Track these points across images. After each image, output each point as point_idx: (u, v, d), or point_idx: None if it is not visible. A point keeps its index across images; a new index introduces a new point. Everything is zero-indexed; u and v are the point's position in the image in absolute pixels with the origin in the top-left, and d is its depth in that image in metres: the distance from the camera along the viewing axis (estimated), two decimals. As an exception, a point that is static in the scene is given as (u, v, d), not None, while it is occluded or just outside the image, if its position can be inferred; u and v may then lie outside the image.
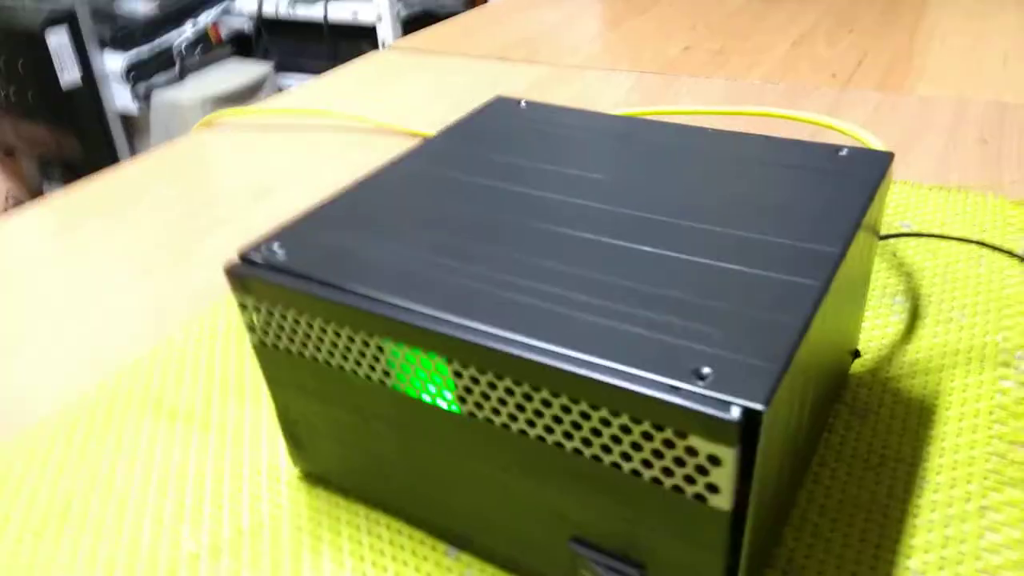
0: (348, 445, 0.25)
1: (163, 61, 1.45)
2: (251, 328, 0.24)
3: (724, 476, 0.17)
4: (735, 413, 0.16)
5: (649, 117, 0.32)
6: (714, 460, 0.17)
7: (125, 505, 0.27)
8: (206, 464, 0.29)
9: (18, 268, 0.43)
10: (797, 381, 0.19)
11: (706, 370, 0.17)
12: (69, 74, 1.40)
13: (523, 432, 0.20)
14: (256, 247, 0.23)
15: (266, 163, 0.53)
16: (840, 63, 0.63)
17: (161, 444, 0.30)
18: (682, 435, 0.17)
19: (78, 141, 1.47)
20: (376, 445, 0.24)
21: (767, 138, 0.28)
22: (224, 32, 1.55)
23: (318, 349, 0.23)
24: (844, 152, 0.26)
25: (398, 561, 0.24)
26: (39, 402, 0.33)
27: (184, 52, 1.46)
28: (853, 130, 0.35)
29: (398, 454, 0.24)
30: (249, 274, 0.23)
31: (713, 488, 0.18)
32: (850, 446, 0.28)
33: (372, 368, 0.22)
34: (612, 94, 0.60)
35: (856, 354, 0.31)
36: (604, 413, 0.18)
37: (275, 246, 0.23)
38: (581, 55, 0.69)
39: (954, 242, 0.38)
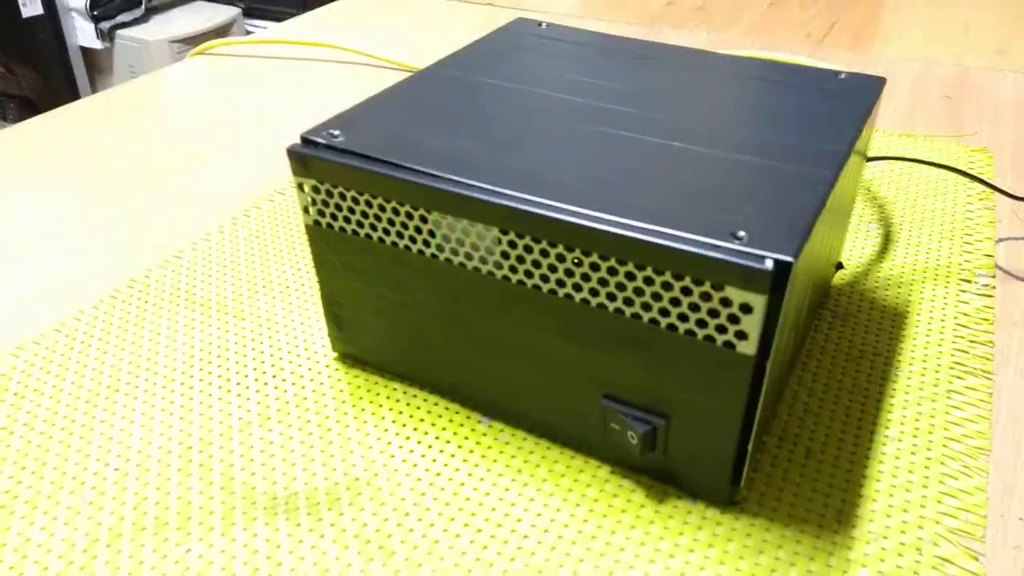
0: (391, 321, 0.27)
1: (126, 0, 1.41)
2: (306, 209, 0.26)
3: (753, 323, 0.20)
4: (768, 264, 0.19)
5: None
6: (746, 308, 0.20)
7: (172, 379, 0.29)
8: (245, 348, 0.31)
9: (33, 186, 0.44)
10: (811, 251, 0.22)
11: (741, 232, 0.20)
12: (30, 6, 1.35)
13: (568, 296, 0.22)
14: (316, 131, 0.25)
15: (266, 91, 0.54)
16: (813, 25, 0.67)
17: (198, 331, 0.32)
18: (719, 287, 0.20)
19: (38, 75, 1.43)
20: (419, 319, 0.26)
21: (773, 62, 0.31)
22: (190, -28, 1.52)
23: (373, 227, 0.25)
24: (842, 76, 0.29)
25: (437, 427, 0.27)
26: (73, 299, 0.34)
27: (148, -9, 1.42)
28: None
29: (440, 327, 0.26)
30: (310, 154, 0.25)
31: (742, 335, 0.20)
32: (833, 343, 0.31)
33: (425, 243, 0.24)
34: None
35: (839, 266, 0.34)
36: (648, 272, 0.21)
37: (334, 131, 0.25)
38: (567, 5, 0.71)
39: (925, 173, 0.42)
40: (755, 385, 0.21)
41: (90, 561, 0.23)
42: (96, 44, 1.42)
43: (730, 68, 0.30)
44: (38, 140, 0.47)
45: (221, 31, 1.49)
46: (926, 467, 0.25)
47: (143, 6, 1.44)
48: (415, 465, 0.26)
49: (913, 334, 0.31)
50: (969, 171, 0.41)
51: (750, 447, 0.23)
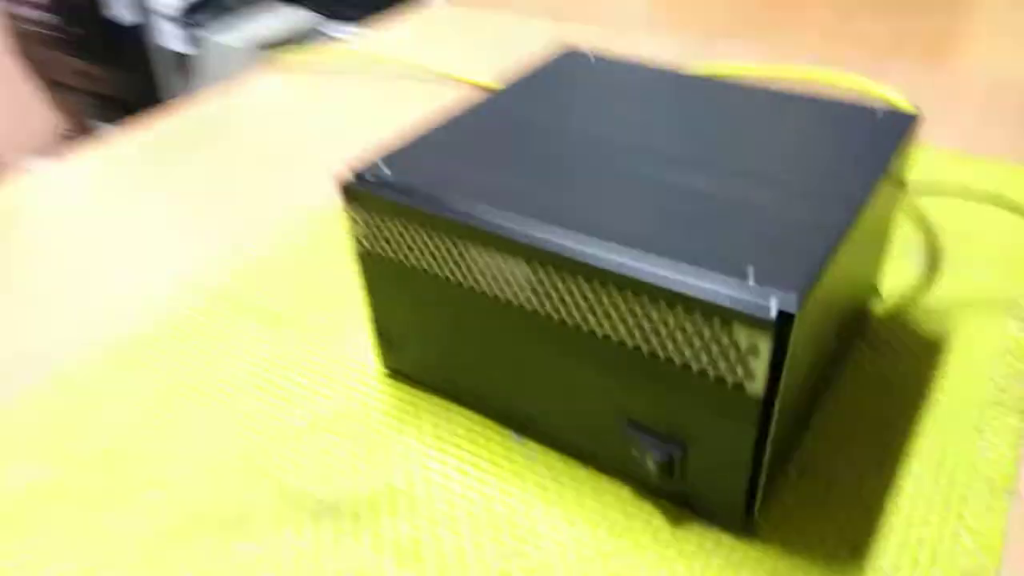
0: (434, 343, 0.29)
1: (214, 3, 1.48)
2: (356, 238, 0.28)
3: (760, 365, 0.21)
4: (774, 307, 0.20)
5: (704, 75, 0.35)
6: (753, 350, 0.21)
7: (238, 388, 0.32)
8: (302, 359, 0.33)
9: (117, 193, 0.48)
10: (825, 292, 0.23)
11: (750, 273, 0.21)
12: (121, 10, 1.44)
13: (593, 332, 0.24)
14: (366, 166, 0.27)
15: (332, 105, 0.57)
16: (882, 35, 0.65)
17: (262, 342, 0.34)
18: (726, 328, 0.21)
19: (127, 78, 1.52)
20: (458, 343, 0.28)
21: (811, 98, 0.31)
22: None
23: (416, 257, 0.27)
24: (876, 112, 0.30)
25: (473, 443, 0.29)
26: (150, 309, 0.37)
27: (234, -3, 1.49)
28: (890, 95, 0.38)
29: (477, 351, 0.28)
30: (360, 189, 0.27)
31: (750, 376, 0.21)
32: (866, 373, 0.31)
33: (464, 274, 0.26)
34: (658, 56, 0.63)
35: (876, 294, 0.34)
36: (662, 310, 0.22)
37: (382, 166, 0.27)
38: (634, 15, 0.72)
39: (974, 203, 0.41)
40: (764, 423, 0.22)
41: (160, 551, 0.25)
42: (183, 48, 1.49)
43: (766, 102, 0.31)
44: (123, 149, 0.51)
45: (301, 35, 1.55)
46: (946, 505, 0.26)
47: (225, 10, 1.51)
48: (449, 478, 0.28)
49: (951, 367, 0.31)
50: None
51: (761, 480, 0.24)
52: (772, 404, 0.22)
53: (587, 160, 0.27)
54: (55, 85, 1.73)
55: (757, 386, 0.22)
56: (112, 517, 0.27)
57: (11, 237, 0.43)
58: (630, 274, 0.22)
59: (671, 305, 0.22)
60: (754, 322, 0.20)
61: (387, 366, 0.32)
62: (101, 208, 0.46)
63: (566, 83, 0.33)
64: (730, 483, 0.24)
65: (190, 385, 0.32)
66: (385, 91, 0.59)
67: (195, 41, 1.49)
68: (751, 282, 0.21)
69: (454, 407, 0.30)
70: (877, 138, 0.28)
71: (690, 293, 0.21)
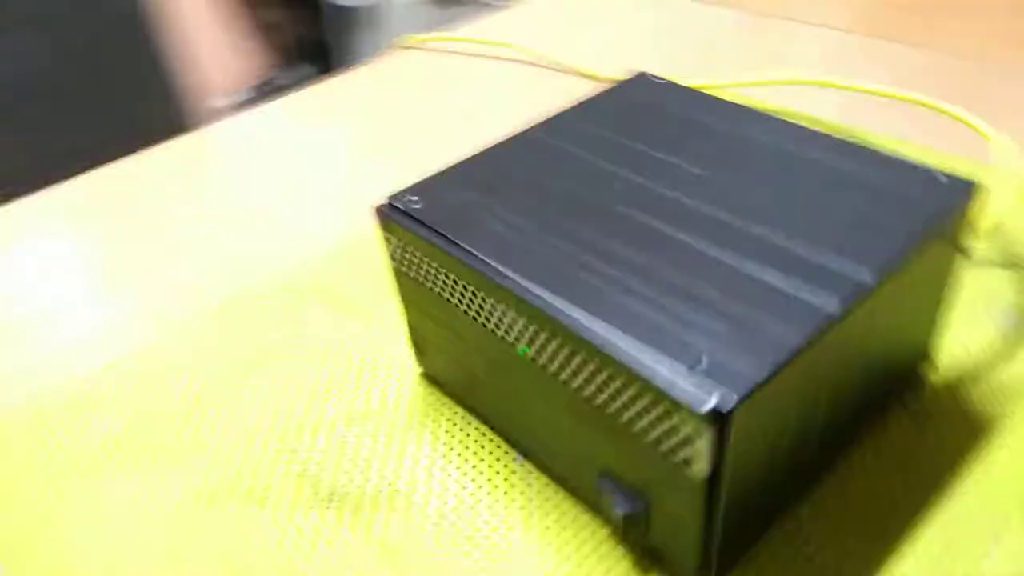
0: (452, 360, 0.31)
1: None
2: (391, 257, 0.31)
3: (700, 452, 0.21)
4: (711, 403, 0.20)
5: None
6: (694, 438, 0.21)
7: (292, 374, 0.36)
8: (354, 350, 0.37)
9: (278, 145, 0.53)
10: (791, 385, 0.23)
11: (704, 361, 0.21)
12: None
13: (566, 382, 0.25)
14: (400, 195, 0.30)
15: (467, 89, 0.59)
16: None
17: (329, 327, 0.38)
18: (669, 412, 0.22)
19: (310, 30, 1.63)
20: (471, 365, 0.30)
21: (873, 152, 0.29)
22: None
23: (434, 284, 0.29)
24: (943, 179, 0.28)
25: (477, 457, 0.31)
26: (212, 292, 0.42)
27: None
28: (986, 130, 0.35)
29: (486, 376, 0.30)
30: (391, 217, 0.29)
31: (694, 458, 0.22)
32: (892, 444, 0.30)
33: (474, 310, 0.28)
34: (801, 53, 0.59)
35: (927, 360, 0.32)
36: (621, 381, 0.23)
37: (414, 197, 0.30)
38: (784, 1, 0.68)
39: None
40: (711, 501, 0.23)
41: (190, 508, 0.30)
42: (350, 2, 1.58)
43: (817, 153, 0.29)
44: (298, 104, 0.57)
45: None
46: (925, 606, 0.25)
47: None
48: (446, 488, 0.30)
49: (992, 458, 0.29)
50: None
51: (714, 548, 0.24)
52: (718, 485, 0.22)
53: (608, 212, 0.28)
54: (251, 31, 1.88)
55: (701, 468, 0.22)
56: (161, 472, 0.32)
57: (193, 177, 0.50)
58: (598, 345, 0.23)
59: (628, 382, 0.22)
60: (691, 413, 0.21)
61: (422, 369, 0.35)
62: (271, 157, 0.51)
63: (622, 117, 0.33)
64: (685, 546, 0.25)
65: (260, 357, 0.37)
66: (507, 77, 0.60)
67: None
68: (702, 368, 0.21)
69: (471, 418, 0.33)
70: (921, 208, 0.26)
71: (643, 374, 0.22)
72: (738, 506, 0.24)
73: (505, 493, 0.30)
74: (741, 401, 0.21)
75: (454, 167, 0.31)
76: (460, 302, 0.28)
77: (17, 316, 0.41)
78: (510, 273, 0.26)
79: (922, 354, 0.31)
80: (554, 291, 0.25)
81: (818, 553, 0.27)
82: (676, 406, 0.21)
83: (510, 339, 0.27)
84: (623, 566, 0.27)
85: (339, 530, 0.29)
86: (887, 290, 0.25)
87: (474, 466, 0.31)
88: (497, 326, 0.27)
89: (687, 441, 0.22)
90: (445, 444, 0.32)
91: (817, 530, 0.27)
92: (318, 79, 0.63)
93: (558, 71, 0.60)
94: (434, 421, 0.33)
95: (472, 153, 0.32)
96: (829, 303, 0.23)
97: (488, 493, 0.30)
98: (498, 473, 0.30)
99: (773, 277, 0.24)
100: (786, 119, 0.32)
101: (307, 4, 1.68)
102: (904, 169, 0.28)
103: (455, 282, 0.28)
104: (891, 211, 0.26)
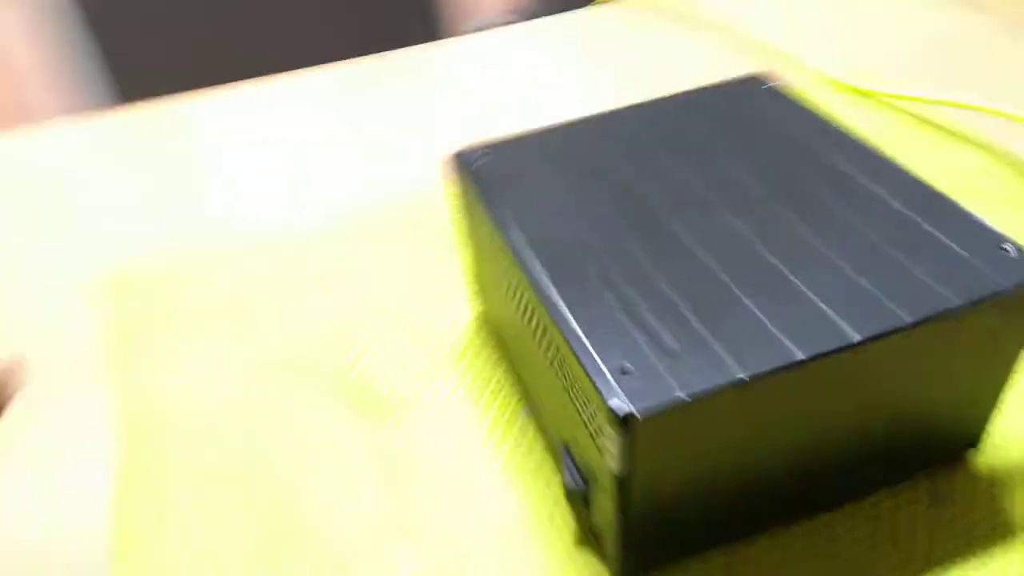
0: (491, 307, 0.34)
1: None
2: (453, 199, 0.33)
3: (614, 451, 0.22)
4: (622, 411, 0.21)
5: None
6: (610, 436, 0.22)
7: (372, 290, 0.40)
8: (432, 288, 0.40)
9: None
10: (730, 412, 0.22)
11: (638, 370, 0.22)
12: None
13: (547, 358, 0.27)
14: (473, 148, 0.32)
15: (681, 40, 0.59)
16: None
17: (419, 260, 0.42)
18: (596, 410, 0.23)
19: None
20: (501, 316, 0.32)
21: (957, 207, 0.27)
22: None
23: (476, 235, 0.31)
24: (1011, 251, 0.25)
25: (499, 397, 0.33)
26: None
27: None
28: None
29: (509, 328, 0.32)
30: (454, 165, 0.32)
31: (610, 453, 0.23)
32: (891, 520, 0.28)
33: (494, 265, 0.30)
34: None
35: (974, 445, 0.29)
36: (575, 371, 0.24)
37: (482, 154, 0.32)
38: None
39: None
40: (626, 501, 0.24)
41: (260, 375, 0.36)
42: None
43: (878, 186, 0.27)
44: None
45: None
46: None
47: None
48: (456, 417, 0.33)
49: (994, 566, 0.27)
50: None
51: (633, 546, 0.25)
52: (632, 487, 0.23)
53: (649, 211, 0.28)
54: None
55: (616, 466, 0.23)
56: (240, 338, 0.38)
57: (441, 80, 0.56)
58: (564, 333, 0.24)
59: (578, 373, 0.23)
60: (608, 413, 0.22)
61: (477, 310, 0.37)
62: (506, 77, 0.56)
63: (710, 117, 0.33)
64: (609, 536, 0.26)
65: (354, 268, 0.41)
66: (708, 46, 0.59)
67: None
68: (637, 375, 0.22)
69: (502, 365, 0.35)
70: (980, 274, 0.24)
71: (587, 369, 0.23)
72: (655, 512, 0.24)
73: (499, 443, 0.32)
74: (655, 413, 0.21)
75: (537, 132, 0.33)
76: (488, 257, 0.30)
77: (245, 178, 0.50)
78: (520, 245, 0.27)
79: (967, 438, 0.29)
80: (551, 273, 0.26)
81: (759, 591, 0.26)
82: (601, 404, 0.22)
83: (517, 300, 0.28)
84: (568, 536, 0.29)
85: (361, 433, 0.33)
86: (886, 351, 0.23)
87: (483, 410, 0.33)
88: (508, 286, 0.29)
89: (609, 438, 0.23)
90: (470, 384, 0.35)
91: (747, 571, 0.27)
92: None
93: (753, 54, 0.58)
94: (469, 361, 0.36)
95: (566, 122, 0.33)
96: (804, 348, 0.22)
97: (486, 431, 0.32)
98: (501, 421, 0.33)
99: (769, 310, 0.24)
100: (878, 152, 0.30)
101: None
102: (979, 231, 0.26)
103: (484, 237, 0.30)
104: (936, 272, 0.24)
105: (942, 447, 0.29)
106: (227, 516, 0.30)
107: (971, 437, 0.29)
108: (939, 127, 0.48)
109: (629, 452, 0.22)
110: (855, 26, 0.60)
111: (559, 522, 0.29)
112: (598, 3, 0.66)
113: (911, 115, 0.49)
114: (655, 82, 0.55)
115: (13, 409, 0.35)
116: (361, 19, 1.28)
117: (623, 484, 0.23)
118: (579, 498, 0.27)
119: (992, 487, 0.29)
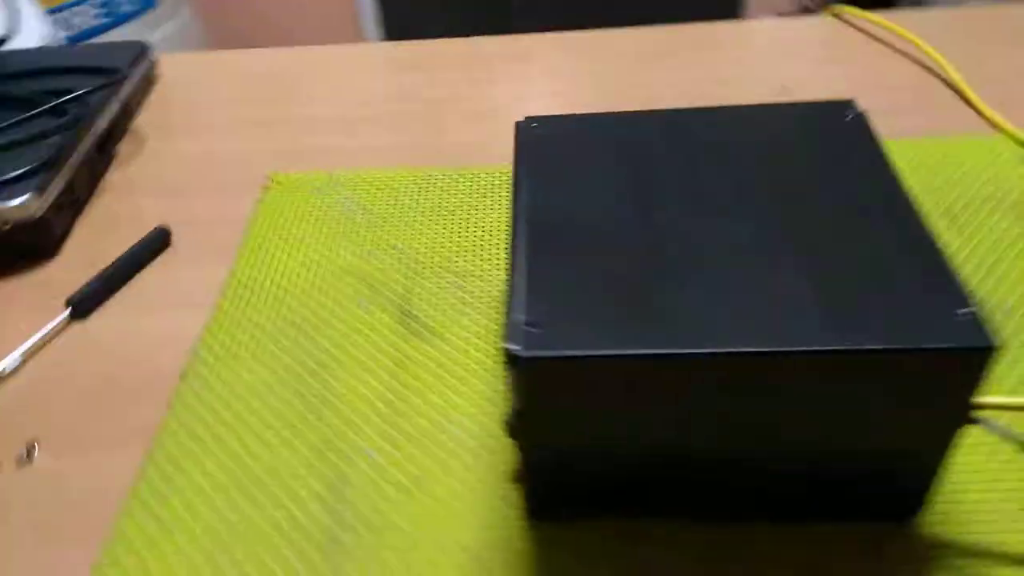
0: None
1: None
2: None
3: (512, 387, 0.26)
4: (510, 352, 0.25)
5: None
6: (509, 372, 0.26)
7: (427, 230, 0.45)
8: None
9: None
10: (627, 379, 0.25)
11: (541, 323, 0.25)
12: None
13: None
14: (533, 119, 0.36)
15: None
16: None
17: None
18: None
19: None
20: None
21: (934, 249, 0.26)
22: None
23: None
24: (962, 311, 0.24)
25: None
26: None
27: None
28: None
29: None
30: (516, 132, 0.35)
31: (510, 389, 0.26)
32: (814, 556, 0.28)
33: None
34: None
35: (914, 509, 0.28)
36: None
37: (538, 125, 0.35)
38: None
39: None
40: (527, 443, 0.27)
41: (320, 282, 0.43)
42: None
43: (889, 227, 0.27)
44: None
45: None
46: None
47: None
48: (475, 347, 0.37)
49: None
50: None
51: (532, 489, 0.28)
52: (525, 426, 0.26)
53: (655, 203, 0.30)
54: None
55: (515, 402, 0.26)
56: (324, 246, 0.44)
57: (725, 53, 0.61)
58: (513, 273, 0.28)
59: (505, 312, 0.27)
60: (506, 350, 0.25)
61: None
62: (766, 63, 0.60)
63: (771, 130, 0.33)
64: (519, 473, 0.29)
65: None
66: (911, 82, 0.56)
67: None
68: (548, 325, 0.25)
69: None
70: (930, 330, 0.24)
71: (511, 311, 0.26)
72: (553, 458, 0.27)
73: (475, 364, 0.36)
74: (538, 360, 0.24)
75: (603, 114, 0.35)
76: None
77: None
78: (522, 207, 0.31)
79: (910, 499, 0.28)
80: (532, 234, 0.29)
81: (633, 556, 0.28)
82: (505, 336, 0.25)
83: (507, 253, 0.32)
84: (498, 472, 0.32)
85: (385, 332, 0.39)
86: (789, 369, 0.24)
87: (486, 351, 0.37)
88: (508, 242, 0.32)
89: (508, 375, 0.26)
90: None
91: (645, 547, 0.29)
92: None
93: (953, 92, 0.54)
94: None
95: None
96: (707, 344, 0.24)
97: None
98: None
99: (705, 306, 0.25)
100: (906, 193, 0.29)
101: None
102: (950, 289, 0.25)
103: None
104: (881, 313, 0.24)
105: (881, 502, 0.28)
106: (280, 362, 0.37)
107: (913, 500, 0.28)
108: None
109: (519, 391, 0.26)
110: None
111: (499, 457, 0.33)
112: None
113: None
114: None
115: (158, 262, 0.45)
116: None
117: (520, 421, 0.27)
118: (508, 431, 0.30)
119: (929, 551, 0.28)
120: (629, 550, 0.29)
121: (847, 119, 0.34)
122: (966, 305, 0.25)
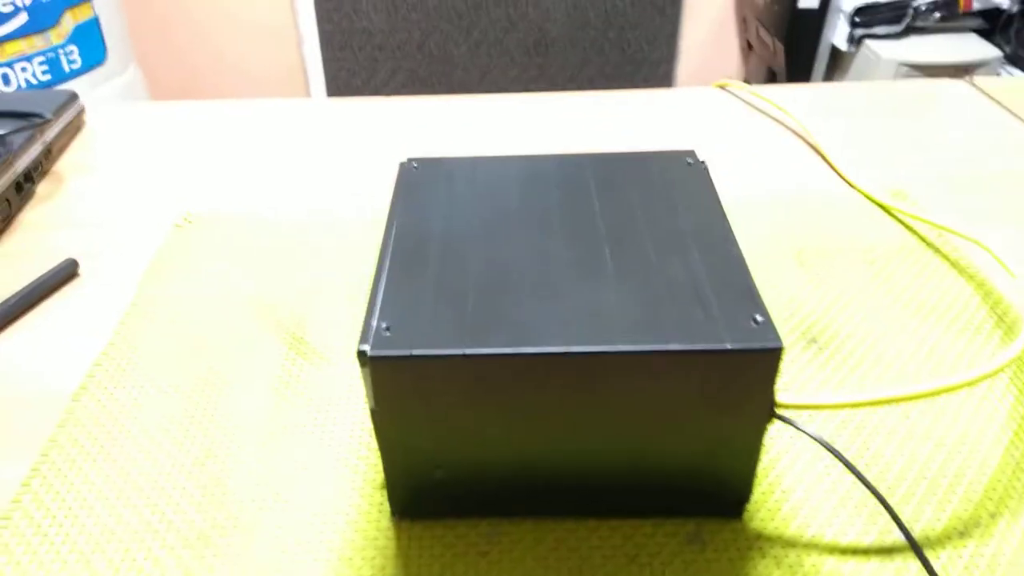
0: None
1: (893, 13, 1.47)
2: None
3: (364, 385, 0.28)
4: (361, 351, 0.28)
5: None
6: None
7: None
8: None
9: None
10: (459, 378, 0.28)
11: (392, 328, 0.28)
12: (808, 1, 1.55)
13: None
14: (415, 160, 0.39)
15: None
16: None
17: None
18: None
19: (786, 57, 1.65)
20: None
21: (743, 269, 0.30)
22: (977, 3, 1.47)
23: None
24: (756, 318, 0.28)
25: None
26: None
27: (919, 10, 1.45)
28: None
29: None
30: (400, 170, 0.39)
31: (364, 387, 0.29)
32: (642, 545, 0.31)
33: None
34: None
35: (738, 504, 0.31)
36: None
37: (417, 165, 0.39)
38: None
39: None
40: (379, 438, 0.29)
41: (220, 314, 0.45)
42: (843, 46, 1.54)
43: (705, 250, 0.31)
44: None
45: (966, 68, 1.44)
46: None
47: (903, 24, 1.48)
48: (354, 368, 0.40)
49: (710, 602, 0.29)
50: None
51: (397, 494, 0.31)
52: (379, 423, 0.29)
53: (508, 230, 0.34)
54: (748, 44, 1.97)
55: (368, 398, 0.29)
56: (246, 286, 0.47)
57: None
58: (375, 286, 0.31)
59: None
60: (359, 353, 0.28)
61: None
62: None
63: (623, 173, 0.37)
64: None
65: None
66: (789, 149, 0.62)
67: (856, 42, 1.52)
68: (393, 327, 0.28)
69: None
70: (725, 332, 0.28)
71: (369, 314, 0.29)
72: (409, 458, 0.30)
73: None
74: (384, 359, 0.27)
75: (474, 158, 0.39)
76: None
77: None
78: (392, 233, 0.34)
79: (730, 494, 0.31)
80: (397, 254, 0.32)
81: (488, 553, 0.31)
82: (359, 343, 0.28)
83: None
84: (371, 479, 0.34)
85: (303, 368, 0.41)
86: (606, 368, 0.27)
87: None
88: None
89: (362, 375, 0.29)
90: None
91: (505, 545, 0.31)
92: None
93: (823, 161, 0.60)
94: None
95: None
96: (530, 344, 0.27)
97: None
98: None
99: (536, 316, 0.28)
100: (726, 225, 0.33)
101: (799, 36, 1.72)
102: (750, 300, 0.29)
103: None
104: (685, 320, 0.28)
105: (707, 497, 0.31)
106: (169, 382, 0.39)
107: (736, 494, 0.31)
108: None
109: (371, 388, 0.28)
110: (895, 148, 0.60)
111: (379, 464, 0.35)
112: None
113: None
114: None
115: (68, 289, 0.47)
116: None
117: (373, 420, 0.29)
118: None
119: (752, 542, 0.31)
120: (484, 548, 0.31)
121: (689, 165, 0.38)
122: (760, 315, 0.28)
